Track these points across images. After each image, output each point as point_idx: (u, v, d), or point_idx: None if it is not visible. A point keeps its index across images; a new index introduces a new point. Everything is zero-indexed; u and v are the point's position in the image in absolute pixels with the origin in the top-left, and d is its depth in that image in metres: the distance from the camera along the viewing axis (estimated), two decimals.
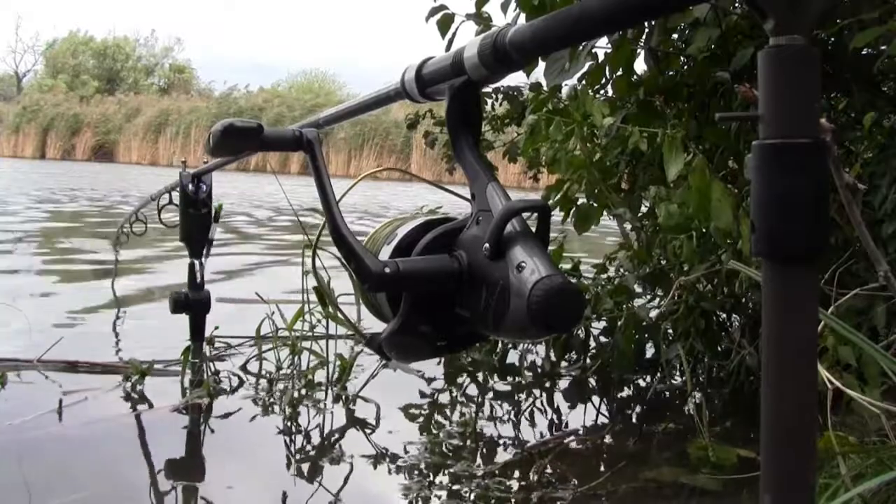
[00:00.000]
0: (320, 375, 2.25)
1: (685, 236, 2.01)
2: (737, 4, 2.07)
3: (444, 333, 0.62)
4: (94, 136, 27.72)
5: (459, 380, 2.37)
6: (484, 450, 1.80)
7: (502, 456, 1.77)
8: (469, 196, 0.62)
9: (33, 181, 12.97)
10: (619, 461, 1.74)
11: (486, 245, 0.56)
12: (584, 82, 2.29)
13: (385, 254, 0.63)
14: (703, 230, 1.96)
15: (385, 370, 2.37)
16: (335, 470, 1.66)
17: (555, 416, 2.13)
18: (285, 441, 1.85)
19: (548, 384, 2.40)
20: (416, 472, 1.65)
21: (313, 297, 2.30)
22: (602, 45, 2.20)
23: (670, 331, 2.32)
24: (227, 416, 1.97)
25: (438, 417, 2.05)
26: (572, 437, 1.92)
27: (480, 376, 2.41)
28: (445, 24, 2.37)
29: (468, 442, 1.83)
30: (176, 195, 2.13)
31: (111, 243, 3.44)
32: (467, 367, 2.46)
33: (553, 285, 0.51)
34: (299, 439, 1.86)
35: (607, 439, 1.99)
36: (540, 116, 2.20)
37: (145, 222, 2.71)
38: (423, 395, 2.22)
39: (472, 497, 1.54)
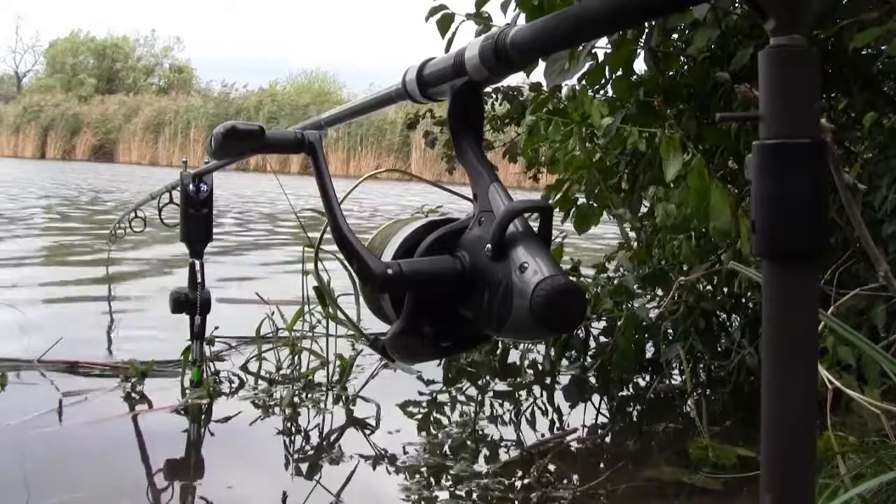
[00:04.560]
0: (320, 376, 2.25)
1: (684, 236, 2.01)
2: (736, 4, 2.07)
3: (448, 334, 0.62)
4: (94, 136, 27.71)
5: (459, 379, 2.37)
6: (484, 449, 1.80)
7: (502, 455, 1.77)
8: (471, 196, 0.62)
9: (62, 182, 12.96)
10: (619, 461, 1.74)
11: (489, 246, 0.56)
12: (583, 82, 2.29)
13: (387, 255, 0.62)
14: (703, 230, 1.96)
15: (385, 370, 2.37)
16: (335, 470, 1.66)
17: (555, 416, 2.13)
18: (285, 441, 1.85)
19: (548, 384, 2.40)
20: (416, 472, 1.65)
21: (313, 297, 2.30)
22: (602, 46, 2.20)
23: (670, 331, 2.32)
24: (227, 416, 1.97)
25: (438, 417, 2.05)
26: (572, 437, 1.92)
27: (481, 375, 2.41)
28: (445, 23, 2.37)
29: (468, 441, 1.83)
30: (176, 194, 2.13)
31: (108, 238, 3.43)
32: (467, 367, 2.46)
33: (555, 286, 0.51)
34: (299, 440, 1.86)
35: (607, 439, 1.99)
36: (538, 117, 2.20)
37: (144, 219, 2.70)
38: (422, 394, 2.22)
39: (472, 497, 1.54)
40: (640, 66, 2.25)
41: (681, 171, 1.78)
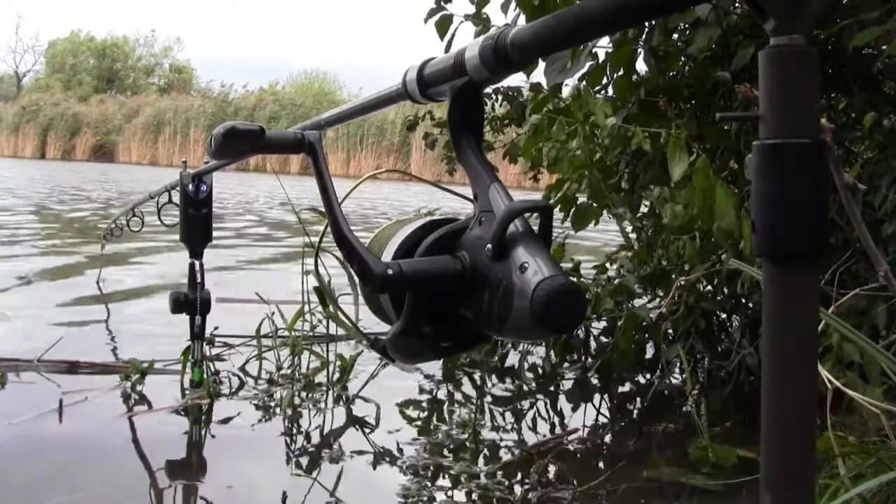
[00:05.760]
0: (320, 376, 2.25)
1: (688, 237, 2.01)
2: (737, 4, 2.07)
3: (448, 334, 0.62)
4: (94, 136, 27.70)
5: (459, 379, 2.37)
6: (484, 450, 1.80)
7: (502, 455, 1.77)
8: (471, 197, 0.62)
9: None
10: (619, 461, 1.74)
11: (489, 246, 0.56)
12: (584, 82, 2.29)
13: (387, 255, 0.63)
14: (705, 230, 1.96)
15: (385, 370, 2.37)
16: (335, 470, 1.66)
17: (555, 416, 2.13)
18: (285, 441, 1.85)
19: (548, 384, 2.40)
20: (415, 472, 1.65)
21: (313, 297, 2.30)
22: (602, 45, 2.21)
23: (670, 331, 2.32)
24: (227, 416, 1.97)
25: (438, 417, 2.05)
26: (572, 437, 1.92)
27: (480, 376, 2.41)
28: (444, 25, 2.37)
29: (468, 442, 1.83)
30: (175, 194, 2.13)
31: (102, 237, 3.43)
32: (467, 368, 2.46)
33: (556, 286, 0.51)
34: (299, 440, 1.86)
35: (607, 439, 1.99)
36: (543, 115, 2.19)
37: (142, 219, 2.70)
38: (423, 394, 2.22)
39: (472, 497, 1.54)
40: (640, 65, 2.26)
41: (686, 171, 1.78)
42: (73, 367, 2.23)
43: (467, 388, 2.33)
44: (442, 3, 2.40)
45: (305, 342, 2.33)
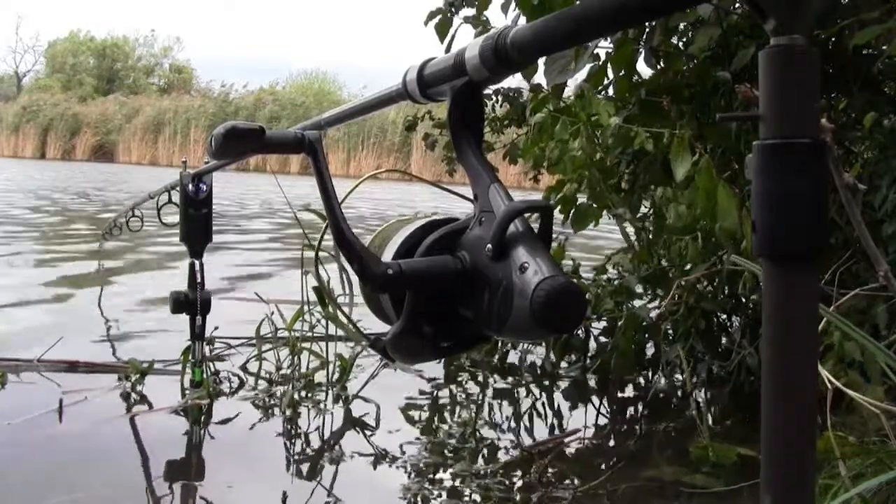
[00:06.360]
0: (320, 376, 2.25)
1: (690, 237, 2.01)
2: (737, 4, 2.07)
3: (448, 334, 0.62)
4: (94, 136, 27.71)
5: (459, 379, 2.37)
6: (484, 450, 1.80)
7: (503, 456, 1.77)
8: (471, 197, 0.62)
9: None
10: (620, 461, 1.74)
11: (489, 246, 0.56)
12: (586, 82, 2.29)
13: (388, 255, 0.63)
14: (707, 230, 1.96)
15: (385, 370, 2.37)
16: (335, 470, 1.66)
17: (555, 416, 2.13)
18: (285, 441, 1.85)
19: (548, 384, 2.40)
20: (416, 472, 1.65)
21: (313, 297, 2.30)
22: (604, 46, 2.21)
23: (670, 331, 2.32)
24: (227, 416, 1.97)
25: (438, 417, 2.05)
26: (572, 437, 1.92)
27: (480, 376, 2.41)
28: (444, 27, 2.37)
29: (468, 442, 1.83)
30: (175, 194, 2.13)
31: (101, 236, 3.43)
32: (467, 368, 2.45)
33: (556, 286, 0.51)
34: (299, 440, 1.86)
35: (607, 439, 1.99)
36: (547, 115, 2.19)
37: (142, 218, 2.70)
38: (423, 395, 2.22)
39: (472, 497, 1.54)
40: (641, 66, 2.26)
41: (689, 171, 1.78)
42: (72, 367, 2.23)
43: (467, 387, 2.33)
44: (449, 9, 2.41)
45: (305, 342, 2.32)
